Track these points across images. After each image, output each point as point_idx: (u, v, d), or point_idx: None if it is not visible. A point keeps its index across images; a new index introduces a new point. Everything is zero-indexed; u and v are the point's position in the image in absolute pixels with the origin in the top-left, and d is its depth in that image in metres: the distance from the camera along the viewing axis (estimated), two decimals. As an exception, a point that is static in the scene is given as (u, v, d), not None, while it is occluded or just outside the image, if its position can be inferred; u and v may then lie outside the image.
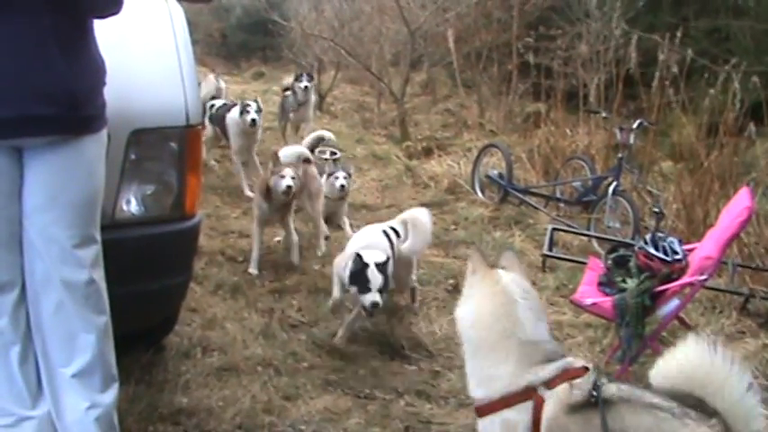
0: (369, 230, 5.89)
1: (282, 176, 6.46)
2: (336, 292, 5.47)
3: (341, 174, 7.80)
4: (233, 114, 9.18)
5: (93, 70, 3.20)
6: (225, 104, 9.89)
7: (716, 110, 8.00)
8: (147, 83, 3.39)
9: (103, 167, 3.35)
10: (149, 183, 3.88)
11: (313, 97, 11.31)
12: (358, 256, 5.11)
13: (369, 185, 9.93)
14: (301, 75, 11.16)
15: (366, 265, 5.08)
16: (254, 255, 6.62)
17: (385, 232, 5.71)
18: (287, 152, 7.36)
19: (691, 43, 9.62)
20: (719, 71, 8.52)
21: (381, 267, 5.10)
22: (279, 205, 6.66)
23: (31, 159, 3.12)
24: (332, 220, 8.00)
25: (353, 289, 5.14)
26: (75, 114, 3.11)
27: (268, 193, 6.56)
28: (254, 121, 8.90)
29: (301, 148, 7.76)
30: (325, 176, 7.87)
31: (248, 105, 9.02)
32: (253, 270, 6.53)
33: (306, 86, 10.97)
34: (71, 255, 3.21)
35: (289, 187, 6.45)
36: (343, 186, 7.74)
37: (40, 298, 3.26)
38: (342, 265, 5.36)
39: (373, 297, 5.04)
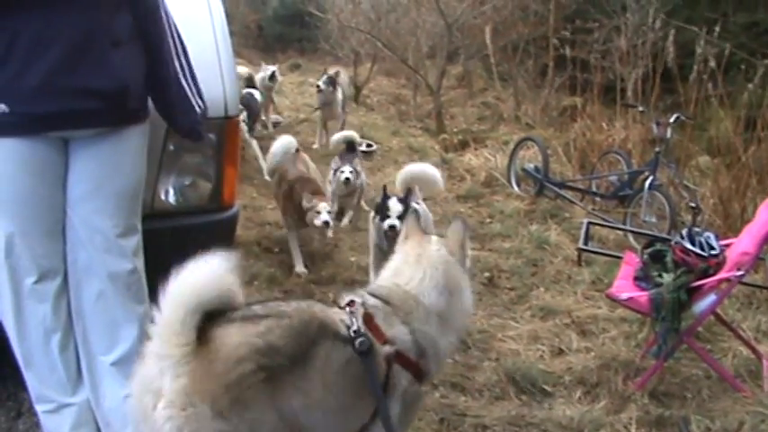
0: None
1: (318, 212, 6.45)
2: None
3: (346, 168, 7.79)
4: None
5: (140, 64, 3.24)
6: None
7: (754, 104, 7.93)
8: (187, 74, 3.43)
9: (145, 158, 3.40)
10: (187, 173, 3.93)
11: (339, 96, 11.28)
12: (383, 188, 5.43)
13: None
14: (322, 77, 11.23)
15: (388, 197, 5.45)
16: (296, 254, 6.61)
17: None
18: (336, 138, 7.93)
19: (729, 37, 9.52)
20: (758, 65, 8.45)
21: (402, 200, 5.41)
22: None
23: (77, 149, 3.17)
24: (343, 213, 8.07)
25: (376, 219, 5.46)
26: (123, 107, 3.17)
27: (301, 216, 6.58)
28: (273, 74, 9.59)
29: (350, 133, 8.24)
30: (332, 172, 7.93)
31: (267, 69, 9.79)
32: (299, 269, 6.52)
33: (320, 88, 11.06)
34: (114, 244, 3.26)
35: (326, 223, 6.50)
36: (347, 180, 7.73)
37: (82, 286, 3.30)
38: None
39: (392, 221, 5.36)
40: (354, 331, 2.74)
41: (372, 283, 3.18)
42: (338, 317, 2.82)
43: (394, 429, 2.80)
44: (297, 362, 2.60)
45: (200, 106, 3.40)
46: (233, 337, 2.53)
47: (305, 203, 6.45)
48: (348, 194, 7.89)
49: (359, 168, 7.99)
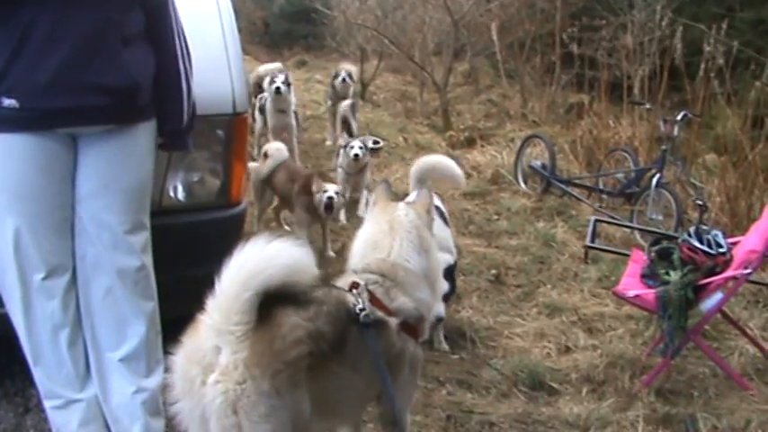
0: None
1: (326, 191, 6.51)
2: None
3: (356, 143, 7.81)
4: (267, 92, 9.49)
5: (150, 61, 3.25)
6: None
7: (761, 102, 7.94)
8: (195, 71, 3.42)
9: (154, 155, 3.40)
10: (196, 170, 3.92)
11: (351, 92, 11.26)
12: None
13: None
14: (339, 73, 11.20)
15: None
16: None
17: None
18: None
19: (736, 35, 9.52)
20: (765, 63, 8.44)
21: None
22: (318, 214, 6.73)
23: (86, 146, 3.17)
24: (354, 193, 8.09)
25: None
26: (132, 104, 3.17)
27: (312, 206, 6.62)
28: (278, 89, 9.11)
29: None
30: (342, 149, 7.96)
31: (276, 76, 9.30)
32: None
33: (344, 79, 11.01)
34: (122, 240, 3.26)
35: (330, 198, 6.51)
36: (357, 156, 7.75)
37: (90, 283, 3.31)
38: None
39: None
40: (361, 309, 2.80)
41: (354, 258, 3.19)
42: (351, 300, 2.87)
43: (395, 400, 2.92)
44: (335, 347, 2.70)
45: (187, 119, 3.38)
46: (291, 318, 2.58)
47: (314, 188, 6.50)
48: (359, 171, 7.90)
49: (368, 143, 8.04)
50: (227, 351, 2.47)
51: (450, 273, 5.02)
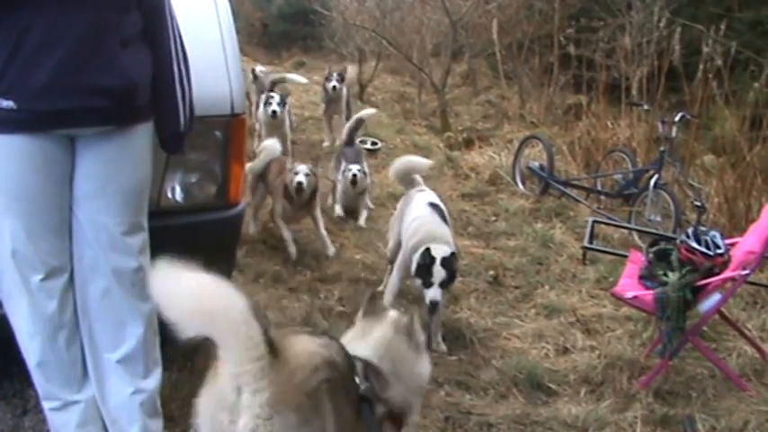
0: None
1: (296, 173, 6.52)
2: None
3: (354, 167, 7.80)
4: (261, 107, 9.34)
5: (148, 63, 3.24)
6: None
7: (760, 103, 7.94)
8: (193, 72, 3.41)
9: (152, 156, 3.39)
10: (194, 171, 3.91)
11: (345, 93, 11.22)
12: (427, 250, 5.11)
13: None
14: (331, 74, 11.00)
15: (433, 260, 5.07)
16: (287, 237, 6.65)
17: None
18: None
19: (734, 36, 9.53)
20: (764, 64, 8.45)
21: (446, 263, 5.09)
22: (301, 203, 6.71)
23: (83, 147, 3.16)
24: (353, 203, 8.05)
25: (418, 282, 5.18)
26: (130, 106, 3.16)
27: (287, 191, 6.63)
28: (274, 112, 9.07)
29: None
30: (341, 171, 7.94)
31: (271, 97, 9.21)
32: (292, 250, 6.59)
33: (334, 86, 10.83)
34: (120, 242, 3.25)
35: (300, 183, 6.51)
36: (355, 177, 7.74)
37: (87, 284, 3.30)
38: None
39: (433, 293, 5.06)
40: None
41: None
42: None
43: None
44: (344, 378, 2.72)
45: (185, 122, 3.37)
46: (306, 346, 2.64)
47: (288, 166, 6.54)
48: (358, 193, 7.90)
49: (366, 167, 8.02)
50: (248, 391, 2.47)
51: (449, 262, 5.05)
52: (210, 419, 2.59)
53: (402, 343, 3.12)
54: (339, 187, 7.98)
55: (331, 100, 10.86)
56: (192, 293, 2.47)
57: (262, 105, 9.29)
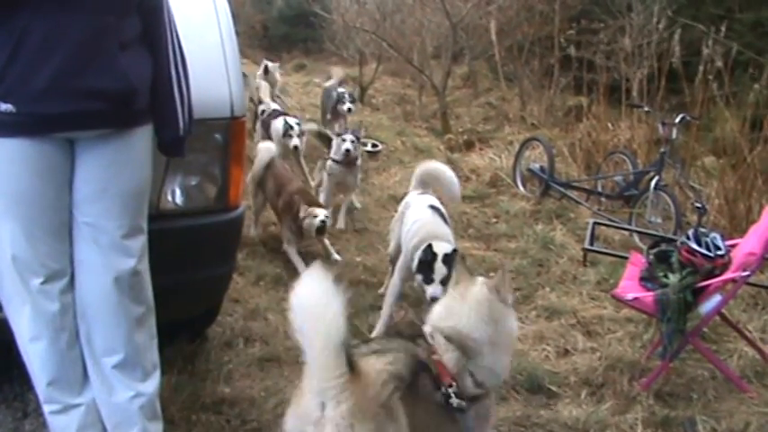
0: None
1: (315, 216, 6.50)
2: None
3: (348, 136, 7.71)
4: (276, 125, 9.03)
5: (147, 66, 3.24)
6: (274, 111, 9.77)
7: (760, 104, 7.93)
8: (193, 76, 3.41)
9: (151, 159, 3.39)
10: (194, 174, 3.91)
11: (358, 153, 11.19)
12: (429, 246, 5.14)
13: (410, 178, 9.90)
14: (344, 94, 10.91)
15: (435, 257, 5.11)
16: (298, 262, 6.58)
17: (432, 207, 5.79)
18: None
19: (735, 37, 9.53)
20: (764, 64, 8.44)
21: (447, 260, 5.10)
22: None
23: (83, 151, 3.16)
24: (342, 191, 8.03)
25: (419, 277, 5.19)
26: (129, 109, 3.16)
27: (299, 229, 6.60)
28: (296, 147, 8.77)
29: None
30: (334, 140, 7.91)
31: (291, 129, 8.78)
32: (302, 270, 6.45)
33: (349, 108, 10.76)
34: (119, 245, 3.25)
35: (323, 222, 6.54)
36: (348, 151, 7.67)
37: (86, 287, 3.30)
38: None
39: (434, 289, 5.07)
40: (450, 392, 3.04)
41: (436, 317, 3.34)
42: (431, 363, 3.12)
43: None
44: (410, 388, 2.94)
45: (184, 126, 3.37)
46: (376, 366, 2.88)
47: (301, 214, 6.48)
48: (347, 164, 7.80)
49: (360, 136, 8.01)
50: (331, 405, 2.71)
51: (450, 258, 5.03)
52: None
53: (495, 300, 3.27)
54: (332, 163, 7.90)
55: (338, 115, 10.86)
56: (308, 309, 2.77)
57: (280, 131, 8.88)
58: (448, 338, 3.16)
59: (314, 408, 2.74)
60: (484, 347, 3.17)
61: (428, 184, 6.18)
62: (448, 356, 3.13)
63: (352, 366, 2.73)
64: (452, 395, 3.00)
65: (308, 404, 2.78)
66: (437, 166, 6.35)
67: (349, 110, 10.71)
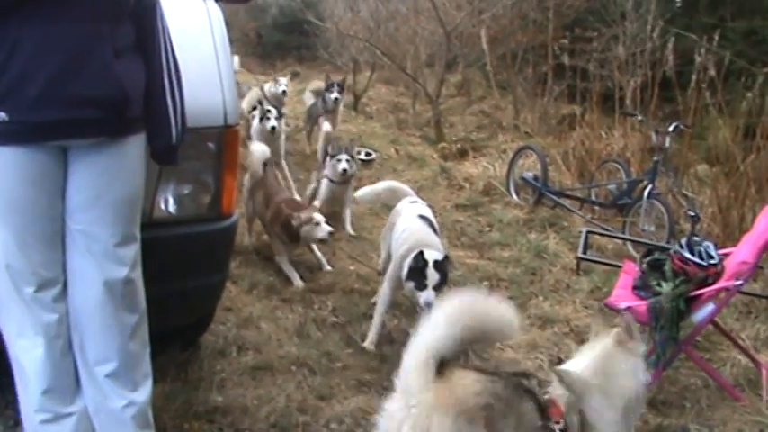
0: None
1: (318, 224, 6.42)
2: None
3: (343, 156, 7.70)
4: (254, 121, 9.19)
5: (141, 73, 3.23)
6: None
7: (753, 112, 7.95)
8: (186, 83, 3.41)
9: (145, 167, 3.39)
10: (187, 182, 3.89)
11: (341, 107, 11.23)
12: (420, 253, 5.12)
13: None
14: (332, 84, 11.00)
15: (426, 263, 5.07)
16: (290, 272, 6.53)
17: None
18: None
19: (728, 45, 9.56)
20: (757, 73, 8.46)
21: (439, 266, 5.09)
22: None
23: (76, 159, 3.15)
24: (336, 206, 8.00)
25: (410, 284, 5.16)
26: (123, 117, 3.14)
27: (293, 235, 6.53)
28: (273, 128, 8.92)
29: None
30: (328, 159, 7.88)
31: (269, 111, 9.08)
32: (297, 283, 6.41)
33: (336, 98, 10.87)
34: (112, 253, 3.24)
35: (330, 234, 6.48)
36: (345, 170, 7.68)
37: (79, 295, 3.28)
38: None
39: (427, 295, 5.04)
40: (557, 429, 3.05)
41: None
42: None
43: None
44: (509, 411, 2.94)
45: (177, 134, 3.36)
46: (472, 376, 2.94)
47: (295, 222, 6.42)
48: (343, 182, 7.82)
49: (355, 155, 7.98)
50: (413, 401, 2.84)
51: (442, 264, 5.06)
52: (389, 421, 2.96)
53: (617, 354, 3.30)
54: (326, 179, 7.91)
55: (328, 111, 10.82)
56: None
57: (257, 121, 9.09)
58: (558, 377, 3.19)
59: (402, 407, 2.86)
60: (593, 391, 3.18)
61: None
62: (559, 393, 3.15)
63: (442, 368, 2.84)
64: (557, 430, 3.02)
65: (396, 403, 2.91)
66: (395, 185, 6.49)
67: (336, 99, 10.77)
